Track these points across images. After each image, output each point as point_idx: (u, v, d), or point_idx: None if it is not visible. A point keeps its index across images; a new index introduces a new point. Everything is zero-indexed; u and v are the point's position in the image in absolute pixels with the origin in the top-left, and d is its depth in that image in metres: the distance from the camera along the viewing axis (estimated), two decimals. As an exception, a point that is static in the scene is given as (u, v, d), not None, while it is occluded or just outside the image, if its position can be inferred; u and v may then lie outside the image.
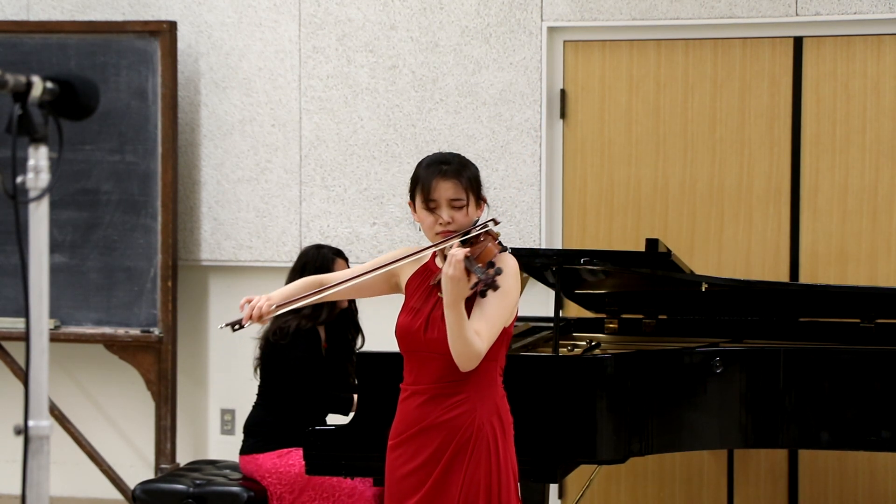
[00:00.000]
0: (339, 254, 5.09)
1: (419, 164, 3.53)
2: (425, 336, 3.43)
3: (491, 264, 3.24)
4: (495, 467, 3.46)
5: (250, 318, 3.44)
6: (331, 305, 4.92)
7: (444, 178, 3.43)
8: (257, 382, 5.07)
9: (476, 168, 3.53)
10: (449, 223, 3.42)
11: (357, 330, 5.12)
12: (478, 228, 3.43)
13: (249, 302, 3.48)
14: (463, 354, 3.34)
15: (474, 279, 3.23)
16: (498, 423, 3.49)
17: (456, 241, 3.40)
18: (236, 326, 3.46)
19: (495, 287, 3.19)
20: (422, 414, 3.46)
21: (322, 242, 5.38)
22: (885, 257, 5.69)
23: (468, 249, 3.30)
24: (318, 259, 5.01)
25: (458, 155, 3.54)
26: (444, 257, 3.47)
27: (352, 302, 5.08)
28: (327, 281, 3.65)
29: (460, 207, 3.43)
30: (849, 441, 4.53)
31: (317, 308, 4.88)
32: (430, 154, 3.58)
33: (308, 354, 4.91)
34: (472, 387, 3.44)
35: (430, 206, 3.44)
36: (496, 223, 3.42)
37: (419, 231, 3.59)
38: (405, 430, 3.50)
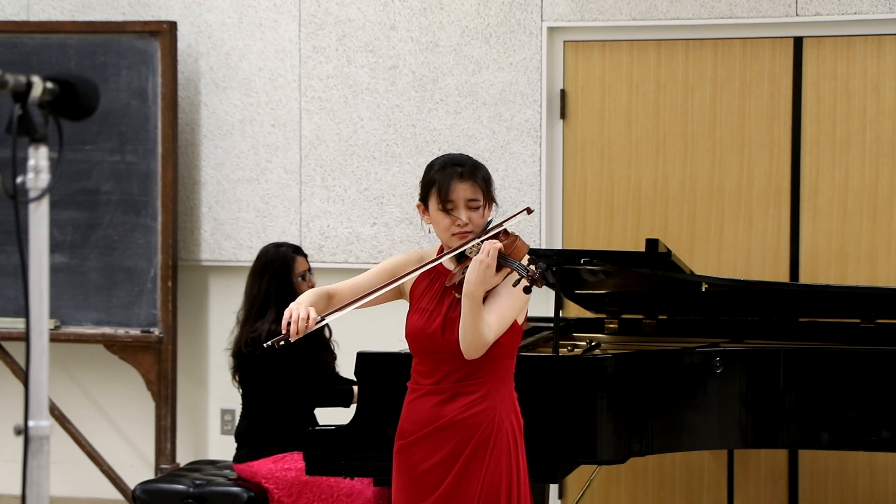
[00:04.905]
0: (298, 251, 5.05)
1: (431, 167, 3.52)
2: (444, 338, 3.43)
3: (532, 261, 3.26)
4: (515, 464, 3.47)
5: (297, 333, 3.37)
6: None
7: (462, 179, 3.45)
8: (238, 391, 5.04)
9: (487, 169, 3.55)
10: (466, 224, 3.44)
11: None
12: (493, 229, 3.45)
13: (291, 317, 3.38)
14: (471, 344, 3.36)
15: (515, 275, 3.26)
16: (516, 420, 3.51)
17: (475, 242, 3.41)
18: (282, 342, 3.39)
19: (540, 283, 3.22)
20: (439, 412, 3.46)
21: (281, 241, 5.30)
22: (885, 257, 5.69)
23: (501, 245, 3.33)
24: (279, 258, 4.96)
25: (469, 156, 3.56)
26: (457, 259, 3.48)
27: None
28: (334, 292, 3.58)
29: (477, 208, 3.46)
30: (849, 441, 4.53)
31: (281, 311, 4.87)
32: (441, 156, 3.58)
33: (287, 360, 4.86)
34: (491, 384, 3.45)
35: (448, 207, 3.44)
36: (530, 211, 3.47)
37: (429, 233, 3.59)
38: (419, 429, 3.49)
